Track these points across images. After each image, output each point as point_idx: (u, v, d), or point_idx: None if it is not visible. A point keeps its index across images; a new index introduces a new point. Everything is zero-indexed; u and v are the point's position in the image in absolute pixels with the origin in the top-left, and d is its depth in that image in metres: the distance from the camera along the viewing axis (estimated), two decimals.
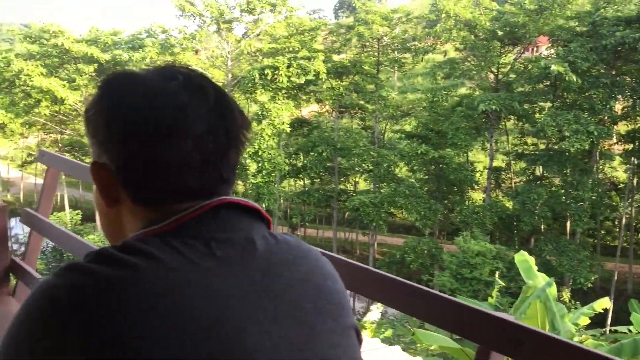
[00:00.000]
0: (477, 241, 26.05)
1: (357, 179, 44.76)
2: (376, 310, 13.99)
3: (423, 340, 9.14)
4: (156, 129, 0.90)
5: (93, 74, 36.22)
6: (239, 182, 45.79)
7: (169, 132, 0.90)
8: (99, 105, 0.96)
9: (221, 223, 0.93)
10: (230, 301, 0.86)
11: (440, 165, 30.29)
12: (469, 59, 32.75)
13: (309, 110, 46.17)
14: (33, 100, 35.72)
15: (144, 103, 0.92)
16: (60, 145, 48.88)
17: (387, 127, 40.87)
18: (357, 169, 40.28)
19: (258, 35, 39.06)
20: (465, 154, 34.43)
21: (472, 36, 31.20)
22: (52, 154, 3.26)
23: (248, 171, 46.08)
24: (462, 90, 36.22)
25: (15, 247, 52.36)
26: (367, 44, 36.40)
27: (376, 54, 35.16)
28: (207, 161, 0.93)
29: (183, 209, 0.92)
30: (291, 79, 31.20)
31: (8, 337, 0.84)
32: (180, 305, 0.81)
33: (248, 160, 33.23)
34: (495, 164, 35.24)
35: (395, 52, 35.28)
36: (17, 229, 59.92)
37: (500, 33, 30.97)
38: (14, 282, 3.17)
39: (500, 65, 32.08)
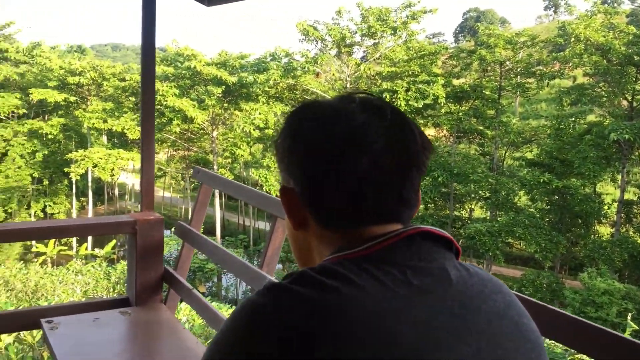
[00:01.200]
0: (603, 279, 24.31)
1: (472, 206, 43.53)
2: None
3: None
4: (334, 146, 0.93)
5: (220, 95, 38.36)
6: None
7: (348, 149, 0.92)
8: (285, 131, 1.02)
9: (416, 251, 0.93)
10: (432, 332, 0.84)
11: (564, 196, 28.68)
12: (600, 85, 30.93)
13: (426, 134, 45.68)
14: (166, 118, 38.42)
15: (323, 124, 0.96)
16: (187, 161, 52.04)
17: (507, 154, 39.46)
18: (472, 195, 39.21)
19: (377, 58, 39.43)
20: (592, 185, 32.38)
21: (605, 61, 29.48)
22: (206, 171, 3.51)
23: None
24: (591, 118, 34.27)
25: None
26: (489, 68, 35.55)
27: (498, 78, 34.20)
28: (387, 180, 0.94)
29: (372, 234, 0.93)
30: (409, 102, 31.13)
31: (212, 352, 0.87)
32: (383, 333, 0.80)
33: None
34: (626, 196, 32.84)
35: (519, 77, 34.09)
36: None
37: (636, 58, 29.02)
38: (165, 290, 3.41)
39: (635, 92, 29.99)
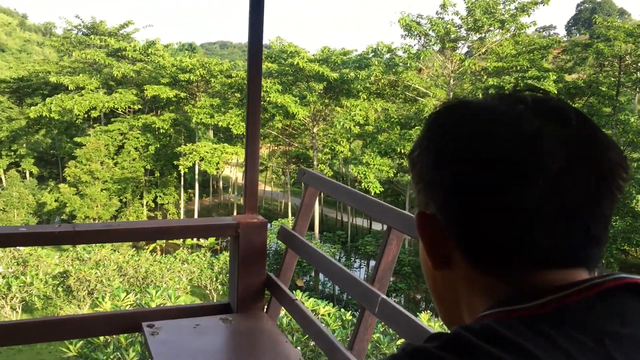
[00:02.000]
0: None
1: None
2: None
3: None
4: (496, 165, 0.69)
5: (321, 91, 38.66)
6: None
7: (514, 170, 0.68)
8: (425, 142, 0.78)
9: (618, 312, 0.67)
10: None
11: None
12: None
13: None
14: (268, 114, 39.30)
15: (480, 134, 0.72)
16: (288, 156, 53.05)
17: (627, 154, 36.76)
18: None
19: (483, 54, 38.06)
20: None
21: None
22: (312, 173, 3.33)
23: None
24: None
25: None
26: (606, 62, 33.24)
27: (616, 73, 31.88)
28: (569, 210, 0.69)
29: (550, 283, 0.69)
30: None
31: None
32: None
33: None
34: None
35: (639, 73, 31.60)
36: None
37: None
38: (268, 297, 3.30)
39: None
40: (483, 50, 37.04)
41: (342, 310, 14.61)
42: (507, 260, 0.71)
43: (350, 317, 14.41)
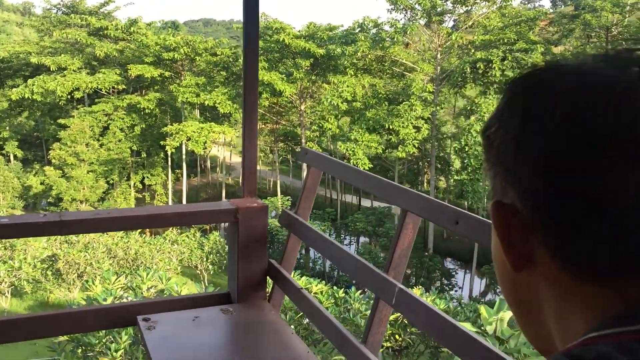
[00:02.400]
0: None
1: None
2: None
3: None
4: (601, 143, 0.54)
5: (308, 68, 38.27)
6: (441, 178, 45.14)
7: (625, 149, 0.53)
8: (506, 115, 0.62)
9: None
10: None
11: None
12: None
13: None
14: None
15: (579, 104, 0.56)
16: (275, 135, 52.72)
17: None
18: None
19: (470, 27, 37.80)
20: None
21: None
22: (315, 152, 3.09)
23: (452, 168, 45.19)
24: None
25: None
26: (593, 34, 33.15)
27: (603, 45, 31.80)
28: None
29: None
30: (505, 72, 29.64)
31: None
32: None
33: (453, 157, 32.45)
34: None
35: (627, 43, 31.47)
36: None
37: None
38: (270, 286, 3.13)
39: None
40: (470, 23, 36.76)
41: (335, 287, 14.60)
42: (619, 265, 0.54)
43: (343, 294, 14.41)
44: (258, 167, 66.85)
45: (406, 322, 16.13)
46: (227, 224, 3.04)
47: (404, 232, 2.18)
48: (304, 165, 41.08)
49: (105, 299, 9.89)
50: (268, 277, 2.95)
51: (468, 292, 36.68)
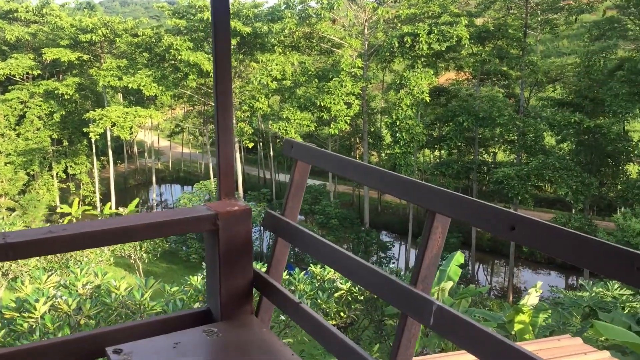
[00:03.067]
0: (639, 219, 23.70)
1: (496, 150, 42.63)
2: (534, 294, 13.00)
3: (603, 333, 8.34)
4: None
5: (235, 47, 37.39)
6: (373, 152, 45.61)
7: None
8: None
9: None
10: None
11: (595, 136, 27.74)
12: (632, 17, 29.42)
13: (445, 78, 44.53)
14: (181, 73, 37.68)
15: None
16: (205, 116, 51.47)
17: (532, 95, 38.25)
18: (496, 139, 38.33)
19: (394, 1, 38.02)
20: (621, 123, 31.35)
21: None
22: (302, 144, 2.65)
23: (383, 142, 45.72)
24: (620, 53, 32.84)
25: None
26: (513, 5, 34.03)
27: (523, 16, 32.72)
28: None
29: None
30: (432, 45, 30.01)
31: None
32: None
33: (384, 131, 32.75)
34: None
35: (546, 13, 32.53)
36: (167, 194, 64.56)
37: None
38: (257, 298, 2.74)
39: None
40: None
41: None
42: None
43: (287, 276, 14.24)
44: (188, 151, 65.64)
45: (350, 298, 16.25)
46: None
47: (432, 238, 1.88)
48: (236, 146, 40.21)
49: (37, 300, 9.29)
50: (254, 289, 2.61)
51: (404, 264, 37.45)
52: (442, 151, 42.88)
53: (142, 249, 32.93)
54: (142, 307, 9.55)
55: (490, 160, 40.90)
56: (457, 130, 31.78)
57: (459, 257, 16.36)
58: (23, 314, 9.70)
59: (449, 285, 15.71)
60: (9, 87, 45.15)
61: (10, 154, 40.69)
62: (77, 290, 10.22)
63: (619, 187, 27.30)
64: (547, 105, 34.08)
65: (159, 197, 61.42)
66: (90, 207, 44.64)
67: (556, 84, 37.76)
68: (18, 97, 43.21)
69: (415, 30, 30.12)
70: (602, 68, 28.42)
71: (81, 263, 26.23)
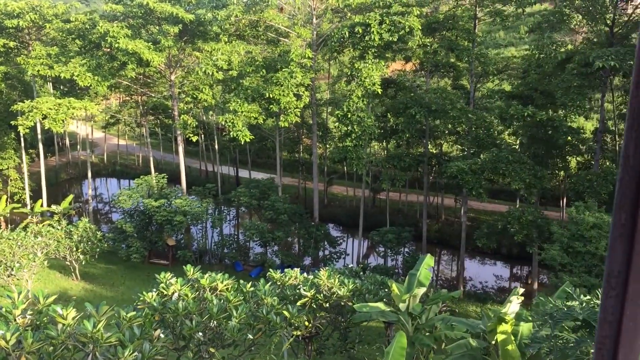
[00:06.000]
0: (591, 212, 23.82)
1: (443, 142, 42.63)
2: (515, 301, 12.41)
3: None
4: None
5: (176, 35, 35.47)
6: (319, 144, 44.72)
7: None
8: None
9: None
10: None
11: (547, 129, 27.77)
12: (581, 10, 29.53)
13: (390, 69, 44.04)
14: (118, 62, 35.41)
15: None
16: (144, 107, 49.05)
17: (479, 86, 38.26)
18: (445, 131, 38.18)
19: None
20: (574, 116, 31.62)
21: None
22: None
23: (334, 134, 44.85)
24: (569, 47, 33.12)
25: (100, 206, 53.75)
26: None
27: (473, 7, 32.42)
28: None
29: None
30: (383, 36, 29.24)
31: None
32: None
33: (337, 123, 31.82)
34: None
35: (496, 4, 32.23)
36: (102, 189, 61.51)
37: None
38: None
39: (616, 17, 28.84)
40: None
41: (241, 282, 13.22)
42: None
43: (251, 288, 13.09)
44: (125, 142, 62.77)
45: (315, 306, 15.26)
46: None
47: None
48: (179, 139, 38.37)
49: None
50: None
51: (356, 258, 36.85)
52: (390, 144, 42.46)
53: (79, 250, 30.83)
54: (93, 339, 8.21)
55: (436, 152, 40.82)
56: (409, 122, 31.24)
57: (428, 260, 15.67)
58: None
59: (421, 291, 15.01)
60: None
61: None
62: (14, 320, 8.75)
63: (572, 179, 27.41)
64: (496, 98, 34.04)
65: (94, 191, 58.39)
66: (20, 205, 41.67)
67: (503, 76, 37.91)
68: None
69: (367, 20, 29.25)
70: (552, 60, 28.41)
71: (12, 269, 24.09)
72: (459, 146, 39.17)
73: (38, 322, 8.93)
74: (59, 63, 35.89)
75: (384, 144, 43.22)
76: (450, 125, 33.03)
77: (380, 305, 14.33)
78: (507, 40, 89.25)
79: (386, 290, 16.68)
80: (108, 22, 34.98)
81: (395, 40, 29.98)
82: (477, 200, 34.32)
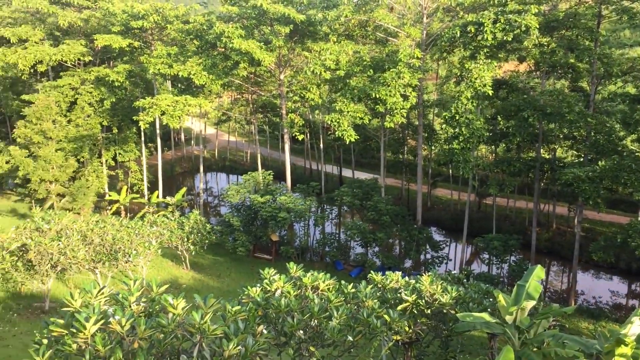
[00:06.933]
0: None
1: (555, 147, 40.38)
2: (637, 322, 11.44)
3: None
4: None
5: (287, 35, 36.23)
6: (424, 146, 43.93)
7: None
8: None
9: None
10: None
11: None
12: None
13: (502, 70, 42.37)
14: (231, 62, 36.75)
15: None
16: (254, 105, 50.65)
17: (599, 88, 35.85)
18: (560, 136, 36.13)
19: None
20: None
21: None
22: None
23: (439, 136, 43.94)
24: None
25: (210, 199, 56.16)
26: None
27: (598, 4, 30.37)
28: None
29: None
30: (497, 35, 28.14)
31: None
32: None
33: (443, 125, 31.08)
34: None
35: (623, 1, 30.02)
36: (212, 183, 64.27)
37: None
38: None
39: None
40: None
41: (342, 282, 13.21)
42: None
43: (352, 289, 13.05)
44: (234, 139, 65.59)
45: (415, 312, 14.95)
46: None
47: None
48: (285, 137, 39.22)
49: (87, 318, 8.33)
50: None
51: (459, 264, 35.85)
52: (499, 147, 40.89)
53: (190, 241, 32.35)
54: (200, 330, 8.53)
55: (550, 157, 38.74)
56: (521, 125, 29.92)
57: (539, 272, 14.86)
58: (72, 330, 8.81)
59: (529, 304, 14.26)
60: (61, 73, 45.22)
61: (61, 140, 40.68)
62: (130, 306, 9.27)
63: None
64: (618, 101, 31.76)
65: (205, 185, 61.12)
66: (138, 195, 44.51)
67: (627, 78, 35.28)
68: (69, 84, 43.19)
69: (480, 19, 28.29)
70: None
71: (129, 256, 25.72)
72: (575, 152, 36.86)
73: (150, 310, 9.39)
74: (178, 62, 37.88)
75: (493, 147, 41.67)
76: (566, 130, 31.16)
77: (485, 315, 13.77)
78: (632, 40, 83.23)
79: (491, 300, 16.03)
80: (224, 23, 36.42)
81: (510, 39, 28.73)
82: (594, 210, 32.19)
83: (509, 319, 13.99)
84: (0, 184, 48.29)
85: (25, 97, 43.96)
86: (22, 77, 46.54)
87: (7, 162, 40.51)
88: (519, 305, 13.67)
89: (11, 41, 42.09)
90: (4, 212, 42.58)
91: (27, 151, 39.32)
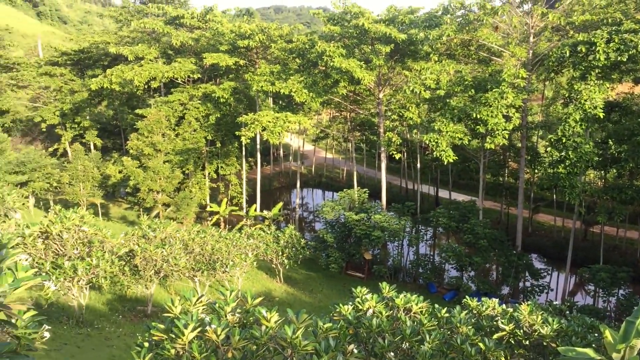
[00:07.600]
0: None
1: None
2: None
3: None
4: None
5: (387, 54, 36.32)
6: (527, 169, 42.22)
7: None
8: None
9: None
10: None
11: None
12: None
13: (616, 92, 40.01)
14: (331, 80, 37.32)
15: None
16: (352, 123, 51.11)
17: None
18: None
19: (568, 4, 34.69)
20: None
21: None
22: None
23: (543, 159, 42.13)
24: None
25: (305, 214, 56.97)
26: None
27: None
28: None
29: None
30: (610, 55, 26.67)
31: None
32: None
33: (549, 148, 29.76)
34: None
35: None
36: (308, 198, 65.25)
37: None
38: None
39: None
40: (567, 2, 33.72)
41: (436, 306, 12.91)
42: None
43: (446, 314, 12.71)
44: (331, 156, 66.31)
45: (512, 342, 14.30)
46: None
47: None
48: (382, 155, 39.08)
49: (186, 325, 8.69)
50: None
51: (561, 294, 33.99)
52: (609, 173, 38.55)
53: (284, 255, 32.95)
54: (292, 344, 8.65)
55: None
56: (635, 150, 28.05)
57: None
58: (171, 335, 9.22)
59: (639, 343, 13.25)
60: (172, 90, 47.96)
61: (168, 152, 43.01)
62: (225, 316, 9.58)
63: None
64: None
65: (301, 200, 62.17)
66: (237, 208, 46.05)
67: None
68: (179, 99, 45.70)
69: (592, 39, 26.95)
70: None
71: (227, 266, 26.60)
72: None
73: (245, 321, 9.63)
74: (280, 80, 39.02)
75: (602, 172, 39.33)
76: None
77: (589, 351, 12.89)
78: None
79: (596, 335, 15.02)
80: (325, 42, 37.15)
81: (625, 60, 27.13)
82: None
83: (615, 356, 13.04)
84: (113, 192, 51.67)
85: (139, 111, 46.98)
86: (137, 93, 49.83)
87: (120, 172, 43.38)
88: (628, 342, 12.72)
89: (128, 59, 45.26)
90: (115, 218, 45.50)
91: (138, 162, 41.91)
